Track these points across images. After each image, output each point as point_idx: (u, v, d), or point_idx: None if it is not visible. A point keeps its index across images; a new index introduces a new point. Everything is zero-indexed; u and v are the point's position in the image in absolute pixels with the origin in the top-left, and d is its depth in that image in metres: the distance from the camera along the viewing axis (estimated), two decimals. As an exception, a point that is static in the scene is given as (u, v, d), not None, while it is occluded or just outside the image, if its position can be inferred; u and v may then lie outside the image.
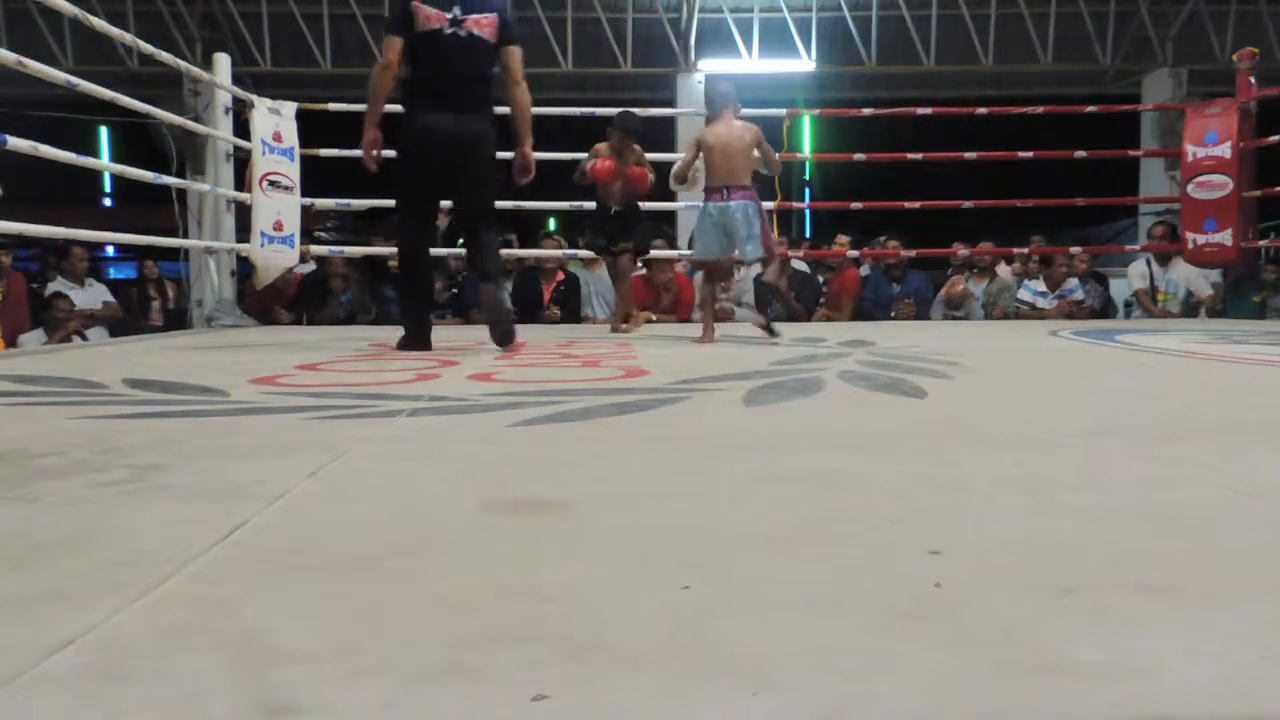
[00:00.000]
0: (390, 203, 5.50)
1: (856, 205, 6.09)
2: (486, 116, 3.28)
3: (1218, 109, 5.66)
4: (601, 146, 4.56)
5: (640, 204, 4.74)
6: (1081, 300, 5.82)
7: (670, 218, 8.44)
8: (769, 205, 6.09)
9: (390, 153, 3.36)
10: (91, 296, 5.90)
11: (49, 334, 5.40)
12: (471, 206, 3.36)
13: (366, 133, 3.25)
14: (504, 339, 3.17)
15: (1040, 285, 5.95)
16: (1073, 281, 5.91)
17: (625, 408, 1.77)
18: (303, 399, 1.92)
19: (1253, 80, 5.55)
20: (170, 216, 5.06)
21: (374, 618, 0.69)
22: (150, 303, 6.30)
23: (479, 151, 3.24)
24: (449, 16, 3.12)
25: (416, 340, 3.24)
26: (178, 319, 6.36)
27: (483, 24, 3.16)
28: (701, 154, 3.78)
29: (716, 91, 3.87)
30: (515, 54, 3.27)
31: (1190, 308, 5.82)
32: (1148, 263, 6.00)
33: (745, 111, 4.15)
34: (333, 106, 5.59)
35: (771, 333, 3.68)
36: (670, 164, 4.29)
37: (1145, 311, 5.91)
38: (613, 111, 4.76)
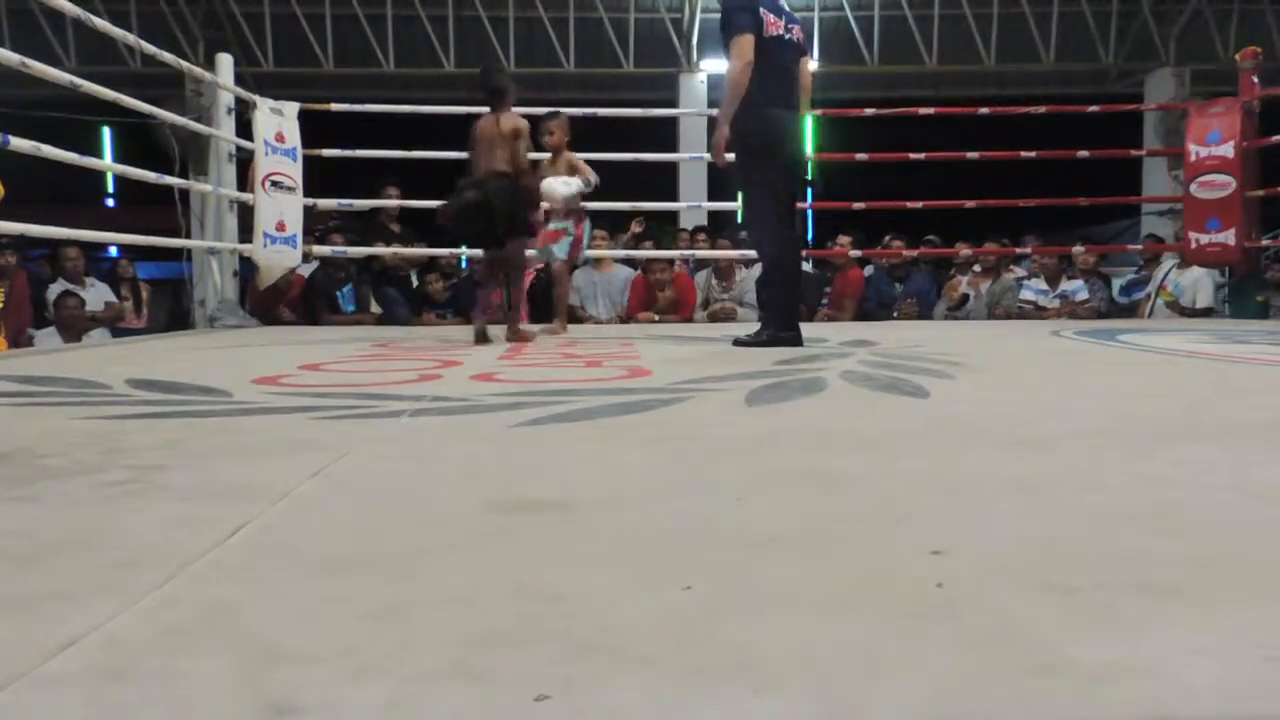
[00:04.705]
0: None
1: (859, 205, 6.09)
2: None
3: (1220, 108, 5.64)
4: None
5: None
6: (1085, 300, 5.81)
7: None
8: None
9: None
10: (93, 297, 5.88)
11: (62, 334, 5.38)
12: (799, 195, 3.78)
13: (721, 129, 3.44)
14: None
15: (1042, 284, 5.94)
16: (1076, 282, 5.89)
17: (627, 408, 1.77)
18: (305, 399, 1.92)
19: (1255, 80, 5.54)
20: (173, 217, 5.07)
21: (376, 618, 0.69)
22: (123, 302, 6.18)
23: (804, 144, 3.70)
24: (783, 23, 3.49)
25: (793, 338, 3.37)
26: (153, 319, 6.31)
27: (797, 32, 3.54)
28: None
29: None
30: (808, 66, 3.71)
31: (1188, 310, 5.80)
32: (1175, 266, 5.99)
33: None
34: (335, 107, 5.59)
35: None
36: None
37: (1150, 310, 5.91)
38: (616, 112, 4.68)
